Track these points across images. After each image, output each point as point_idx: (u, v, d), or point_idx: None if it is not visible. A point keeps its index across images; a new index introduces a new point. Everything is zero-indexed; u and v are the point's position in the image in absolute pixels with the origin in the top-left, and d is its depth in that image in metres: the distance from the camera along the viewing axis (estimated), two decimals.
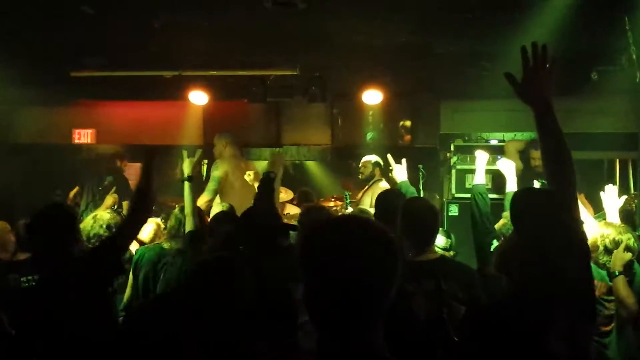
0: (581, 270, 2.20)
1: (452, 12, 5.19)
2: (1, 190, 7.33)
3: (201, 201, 6.71)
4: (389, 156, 5.58)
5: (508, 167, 5.05)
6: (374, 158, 7.44)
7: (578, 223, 2.20)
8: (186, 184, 4.43)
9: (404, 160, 5.35)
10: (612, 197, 4.79)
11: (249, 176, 6.52)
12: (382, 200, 4.33)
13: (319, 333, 1.55)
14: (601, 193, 4.88)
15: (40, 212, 3.34)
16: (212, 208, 6.36)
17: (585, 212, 4.57)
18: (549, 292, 2.07)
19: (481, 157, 5.21)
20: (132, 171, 9.13)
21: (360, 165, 7.51)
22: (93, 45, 6.79)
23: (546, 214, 2.24)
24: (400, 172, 5.27)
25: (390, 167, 5.45)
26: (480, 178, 4.98)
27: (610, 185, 4.90)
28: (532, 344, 2.03)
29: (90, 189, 7.53)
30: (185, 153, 4.62)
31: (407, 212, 3.58)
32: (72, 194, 7.59)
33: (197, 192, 7.73)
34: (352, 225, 1.60)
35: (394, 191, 4.83)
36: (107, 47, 6.89)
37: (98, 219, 4.63)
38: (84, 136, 8.97)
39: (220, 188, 7.31)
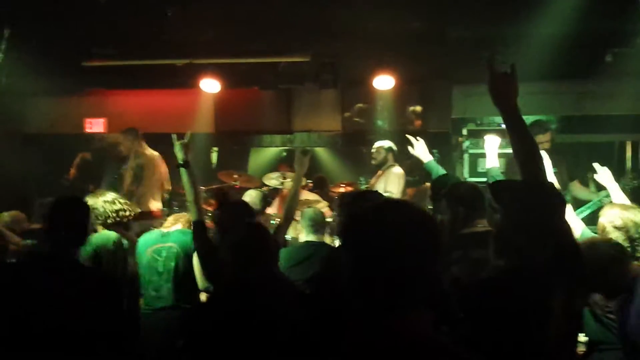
0: (566, 236, 2.36)
1: None
2: (14, 180, 7.37)
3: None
4: (408, 136, 5.47)
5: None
6: (387, 144, 7.44)
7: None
8: (182, 171, 4.16)
9: (421, 140, 5.24)
10: (607, 177, 4.75)
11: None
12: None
13: (360, 315, 1.60)
14: (595, 175, 4.82)
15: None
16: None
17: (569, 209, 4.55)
18: (545, 261, 2.22)
19: (490, 141, 5.18)
20: None
21: (373, 150, 7.50)
22: (105, 34, 6.80)
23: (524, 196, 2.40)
24: (423, 152, 5.16)
25: (411, 149, 5.31)
26: (492, 161, 4.97)
27: (597, 164, 4.82)
28: (535, 305, 2.17)
29: (107, 176, 7.55)
30: (174, 137, 4.38)
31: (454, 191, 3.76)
32: (77, 162, 7.64)
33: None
34: (391, 206, 1.70)
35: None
36: (118, 36, 6.91)
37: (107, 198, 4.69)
38: (95, 125, 8.99)
39: (135, 180, 7.30)
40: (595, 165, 4.77)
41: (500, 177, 4.89)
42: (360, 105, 9.01)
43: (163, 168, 7.44)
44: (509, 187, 2.59)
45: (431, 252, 1.61)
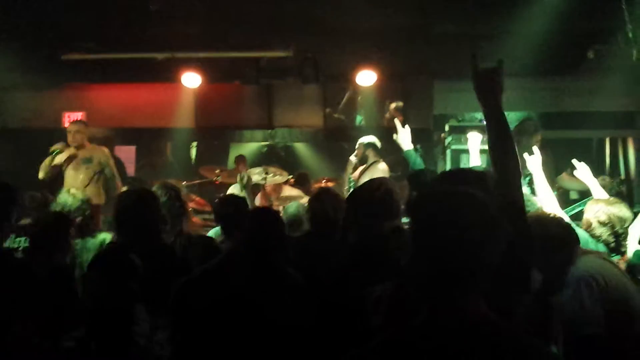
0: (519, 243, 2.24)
1: None
2: None
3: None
4: (396, 120, 5.22)
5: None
6: (367, 139, 7.38)
7: (514, 206, 2.28)
8: None
9: (407, 126, 4.99)
10: (586, 173, 4.78)
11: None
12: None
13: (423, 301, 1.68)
14: (574, 172, 4.87)
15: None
16: None
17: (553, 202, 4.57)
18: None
19: (473, 139, 5.19)
20: (123, 155, 9.10)
21: (356, 148, 7.42)
22: (85, 28, 6.71)
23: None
24: (405, 140, 4.91)
25: (395, 135, 5.01)
26: (475, 159, 4.97)
27: (575, 160, 4.86)
28: None
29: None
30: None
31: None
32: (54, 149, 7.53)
33: None
34: (456, 194, 1.75)
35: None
36: (99, 30, 6.82)
37: (74, 193, 4.67)
38: (74, 119, 8.86)
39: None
40: (574, 161, 4.82)
41: None
42: (344, 99, 9.01)
43: None
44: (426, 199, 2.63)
45: (497, 239, 1.68)
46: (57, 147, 7.06)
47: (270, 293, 2.97)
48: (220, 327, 2.91)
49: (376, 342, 1.69)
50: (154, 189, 4.34)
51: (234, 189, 5.75)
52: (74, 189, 4.97)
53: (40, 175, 7.07)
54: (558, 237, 3.02)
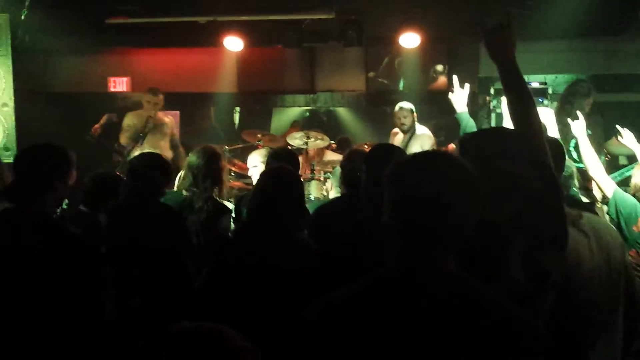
0: (549, 200, 2.24)
1: None
2: (39, 138, 7.37)
3: None
4: (455, 77, 4.78)
5: (546, 116, 4.90)
6: (409, 105, 7.14)
7: (544, 162, 2.26)
8: None
9: (467, 85, 4.67)
10: (631, 139, 4.61)
11: None
12: None
13: (395, 255, 1.66)
14: (619, 138, 4.70)
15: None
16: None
17: None
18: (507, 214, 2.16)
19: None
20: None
21: (402, 114, 7.01)
22: None
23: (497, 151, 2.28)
24: (460, 100, 4.58)
25: (451, 93, 4.67)
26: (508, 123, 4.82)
27: (619, 126, 4.69)
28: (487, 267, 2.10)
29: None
30: None
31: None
32: (102, 121, 7.65)
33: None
34: (442, 155, 1.77)
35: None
36: None
37: None
38: (119, 84, 8.98)
39: None
40: (618, 127, 4.67)
41: None
42: (383, 62, 8.86)
43: None
44: (473, 136, 2.51)
45: (476, 199, 1.66)
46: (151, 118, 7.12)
47: (282, 263, 2.88)
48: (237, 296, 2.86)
49: (343, 294, 1.66)
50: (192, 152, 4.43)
51: (256, 155, 5.58)
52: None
53: (123, 140, 7.16)
54: None
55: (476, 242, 2.11)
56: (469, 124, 4.46)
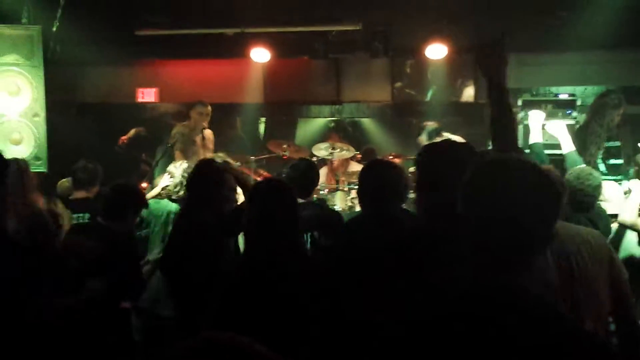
0: None
1: None
2: (69, 148, 7.50)
3: None
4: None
5: (559, 129, 4.91)
6: (431, 126, 7.12)
7: None
8: None
9: (540, 113, 4.95)
10: None
11: None
12: None
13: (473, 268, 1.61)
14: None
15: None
16: None
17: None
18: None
19: (535, 116, 5.05)
20: None
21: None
22: (158, 3, 6.83)
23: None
24: (536, 129, 4.84)
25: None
26: (536, 137, 4.84)
27: None
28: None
29: (161, 146, 7.66)
30: None
31: None
32: (130, 134, 7.74)
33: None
34: (517, 165, 1.67)
35: None
36: (171, 5, 6.92)
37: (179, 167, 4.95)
38: (147, 95, 9.08)
39: None
40: None
41: (543, 153, 4.78)
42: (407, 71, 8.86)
43: None
44: (430, 147, 2.55)
45: (553, 212, 1.61)
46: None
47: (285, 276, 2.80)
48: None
49: (421, 313, 1.64)
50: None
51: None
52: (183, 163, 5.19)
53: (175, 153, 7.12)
54: None
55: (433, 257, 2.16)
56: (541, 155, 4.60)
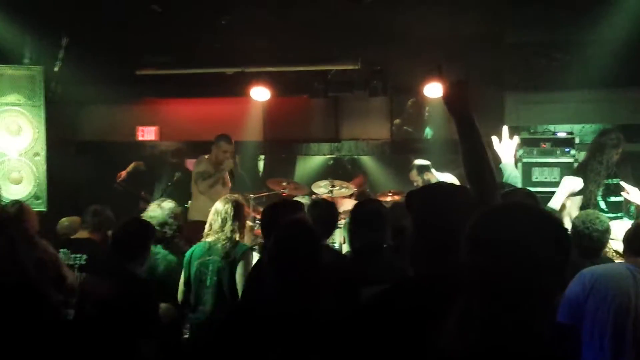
0: None
1: (523, 2, 5.07)
2: (68, 186, 7.51)
3: None
4: (505, 128, 4.55)
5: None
6: (417, 163, 7.21)
7: None
8: None
9: (515, 138, 4.54)
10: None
11: None
12: None
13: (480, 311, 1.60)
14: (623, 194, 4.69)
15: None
16: None
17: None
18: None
19: (567, 183, 4.97)
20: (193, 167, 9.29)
21: (411, 177, 7.25)
22: (158, 43, 6.91)
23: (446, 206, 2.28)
24: (507, 151, 4.41)
25: (497, 141, 4.45)
26: (556, 202, 4.77)
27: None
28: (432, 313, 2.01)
29: (160, 184, 7.66)
30: None
31: None
32: (129, 169, 7.73)
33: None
34: (527, 213, 1.66)
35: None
36: (172, 46, 7.00)
37: (164, 207, 4.73)
38: (147, 133, 9.13)
39: None
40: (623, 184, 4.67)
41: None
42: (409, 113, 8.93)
43: None
44: (418, 192, 2.47)
45: (562, 259, 1.60)
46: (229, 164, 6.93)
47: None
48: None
49: None
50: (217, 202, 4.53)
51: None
52: (167, 202, 4.92)
53: (203, 188, 6.84)
54: None
55: (415, 298, 2.14)
56: (513, 174, 4.37)
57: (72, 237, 5.03)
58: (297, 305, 2.74)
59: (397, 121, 9.00)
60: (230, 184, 7.13)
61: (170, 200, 4.95)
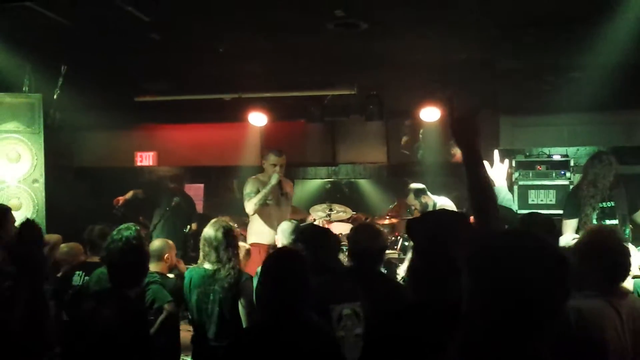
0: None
1: (515, 28, 5.14)
2: (67, 212, 7.53)
3: None
4: (496, 152, 4.81)
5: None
6: (414, 187, 7.19)
7: None
8: None
9: (506, 161, 4.76)
10: None
11: None
12: None
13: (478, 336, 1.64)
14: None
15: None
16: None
17: None
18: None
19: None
20: (192, 192, 9.32)
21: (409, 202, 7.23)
22: (157, 70, 6.98)
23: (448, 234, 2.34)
24: (499, 174, 4.41)
25: (488, 165, 4.62)
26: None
27: None
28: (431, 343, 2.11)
29: (159, 209, 7.67)
30: None
31: None
32: (127, 196, 7.75)
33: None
34: (529, 242, 1.69)
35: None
36: (170, 72, 7.07)
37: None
38: (145, 159, 9.18)
39: None
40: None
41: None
42: (405, 138, 9.00)
43: None
44: (419, 220, 2.55)
45: (563, 286, 1.64)
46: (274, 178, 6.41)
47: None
48: None
49: None
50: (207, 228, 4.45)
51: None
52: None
53: (250, 209, 6.37)
54: None
55: (417, 327, 2.18)
56: (507, 197, 4.38)
57: (86, 260, 5.00)
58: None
59: (393, 145, 9.06)
60: (288, 198, 6.65)
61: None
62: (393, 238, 7.70)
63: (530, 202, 6.95)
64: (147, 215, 7.92)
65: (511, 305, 1.59)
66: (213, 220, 4.51)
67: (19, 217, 6.33)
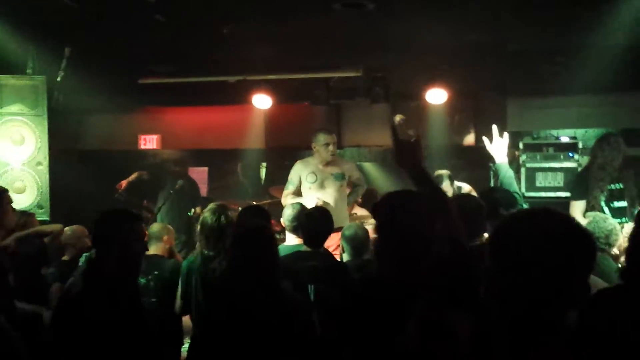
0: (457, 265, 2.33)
1: (527, 9, 5.06)
2: (71, 195, 7.51)
3: None
4: (494, 128, 4.38)
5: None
6: (447, 172, 7.08)
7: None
8: None
9: (506, 135, 4.35)
10: None
11: None
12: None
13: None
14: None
15: None
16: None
17: None
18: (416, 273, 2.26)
19: None
20: (196, 176, 9.29)
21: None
22: (161, 52, 6.91)
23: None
24: (499, 150, 4.28)
25: (487, 142, 4.36)
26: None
27: None
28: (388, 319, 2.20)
29: (163, 192, 7.62)
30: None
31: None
32: (131, 178, 7.71)
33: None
34: (550, 220, 1.64)
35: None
36: (174, 55, 7.00)
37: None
38: (149, 142, 9.14)
39: None
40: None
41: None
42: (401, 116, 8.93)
43: None
44: (387, 198, 2.57)
45: (586, 267, 1.61)
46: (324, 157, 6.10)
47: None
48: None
49: None
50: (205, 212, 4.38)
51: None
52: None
53: (283, 201, 6.22)
54: None
55: (377, 301, 2.27)
56: (508, 174, 4.29)
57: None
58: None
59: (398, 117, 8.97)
60: (339, 179, 6.27)
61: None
62: None
63: (537, 184, 6.91)
64: (151, 199, 7.88)
65: (538, 281, 1.55)
66: (210, 206, 4.44)
67: (23, 200, 6.36)
